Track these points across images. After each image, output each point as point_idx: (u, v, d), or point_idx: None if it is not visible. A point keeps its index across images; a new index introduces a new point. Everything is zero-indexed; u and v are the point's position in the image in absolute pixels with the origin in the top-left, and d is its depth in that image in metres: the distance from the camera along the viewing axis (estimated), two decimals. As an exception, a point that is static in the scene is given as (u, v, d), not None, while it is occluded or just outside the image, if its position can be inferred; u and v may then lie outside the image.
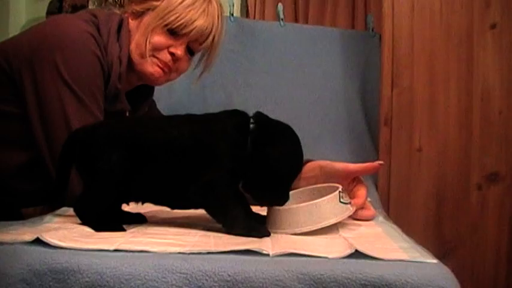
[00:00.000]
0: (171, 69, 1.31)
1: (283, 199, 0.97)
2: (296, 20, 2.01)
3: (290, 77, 1.83)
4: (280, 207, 0.96)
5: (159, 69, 1.29)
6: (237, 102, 1.75)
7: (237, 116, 0.98)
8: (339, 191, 0.99)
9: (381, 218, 1.13)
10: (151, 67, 1.28)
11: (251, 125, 0.95)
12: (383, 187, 1.68)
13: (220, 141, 0.93)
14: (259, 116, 0.97)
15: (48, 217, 1.00)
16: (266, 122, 0.97)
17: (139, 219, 1.01)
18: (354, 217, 1.07)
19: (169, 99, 1.70)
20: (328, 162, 1.15)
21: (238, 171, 0.93)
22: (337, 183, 1.04)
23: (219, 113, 0.99)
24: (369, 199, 1.14)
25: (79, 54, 1.18)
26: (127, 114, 1.33)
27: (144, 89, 1.40)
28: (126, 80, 1.29)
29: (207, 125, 0.96)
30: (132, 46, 1.28)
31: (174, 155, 0.94)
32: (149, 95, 1.43)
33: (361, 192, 1.11)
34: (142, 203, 1.00)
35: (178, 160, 0.93)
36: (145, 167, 0.94)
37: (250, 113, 0.98)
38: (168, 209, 1.00)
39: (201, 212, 0.96)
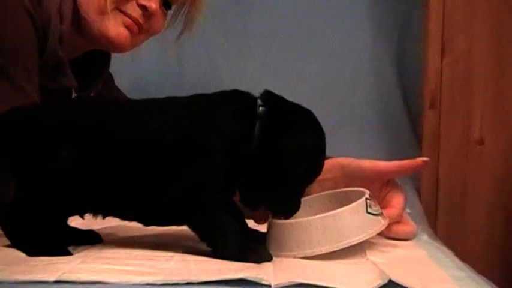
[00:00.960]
0: (141, 29, 1.31)
1: (293, 208, 0.98)
2: (307, -34, 2.01)
3: (298, 45, 1.84)
4: (286, 221, 0.97)
5: (125, 31, 1.29)
6: (226, 76, 1.77)
7: (238, 98, 0.98)
8: (366, 198, 0.99)
9: (424, 237, 1.15)
10: (114, 28, 1.28)
11: (260, 108, 0.96)
12: (428, 194, 1.69)
13: (215, 135, 0.94)
14: (269, 96, 0.98)
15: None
16: (279, 104, 0.98)
17: (91, 238, 1.02)
18: (386, 234, 1.07)
19: (133, 72, 1.72)
20: (351, 159, 1.16)
21: (236, 172, 0.94)
22: (364, 187, 1.05)
23: (213, 94, 0.99)
24: (407, 210, 1.15)
25: (0, 9, 1.17)
26: (73, 93, 1.32)
27: (96, 58, 1.40)
28: (71, 44, 1.28)
29: (197, 113, 0.96)
30: (82, -3, 1.27)
31: (151, 153, 0.94)
32: (104, 67, 1.44)
33: (397, 200, 1.11)
34: (104, 217, 1.00)
35: (157, 160, 0.93)
36: (110, 168, 0.94)
37: (250, 91, 0.98)
38: (136, 225, 1.00)
39: (178, 227, 0.97)
